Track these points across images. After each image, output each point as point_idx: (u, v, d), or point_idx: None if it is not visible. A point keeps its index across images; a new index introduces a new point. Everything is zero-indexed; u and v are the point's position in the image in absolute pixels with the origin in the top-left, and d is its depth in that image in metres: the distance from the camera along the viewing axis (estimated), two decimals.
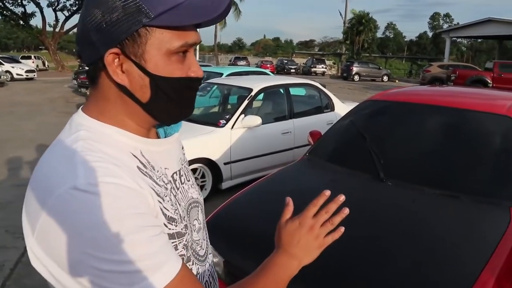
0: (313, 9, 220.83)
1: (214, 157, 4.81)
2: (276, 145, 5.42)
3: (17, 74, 23.54)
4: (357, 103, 6.97)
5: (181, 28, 0.70)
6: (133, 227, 0.62)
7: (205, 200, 4.74)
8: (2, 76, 19.13)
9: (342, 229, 0.87)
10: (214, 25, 37.74)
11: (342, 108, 6.30)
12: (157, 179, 0.75)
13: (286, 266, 0.81)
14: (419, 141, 2.90)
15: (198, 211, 0.90)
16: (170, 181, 0.81)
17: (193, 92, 0.78)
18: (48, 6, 35.03)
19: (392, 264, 1.81)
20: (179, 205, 0.80)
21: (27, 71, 24.06)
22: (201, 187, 4.84)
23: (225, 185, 5.01)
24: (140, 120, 0.76)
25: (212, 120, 5.22)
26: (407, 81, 31.71)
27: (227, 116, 5.12)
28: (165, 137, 0.89)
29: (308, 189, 2.58)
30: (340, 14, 43.05)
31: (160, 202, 0.72)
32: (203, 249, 0.89)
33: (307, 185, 2.59)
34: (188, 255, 0.80)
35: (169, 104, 0.74)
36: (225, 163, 4.93)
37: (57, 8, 35.15)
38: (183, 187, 0.86)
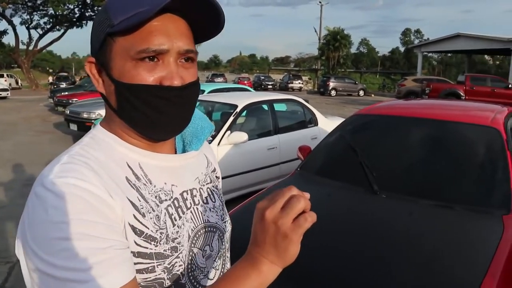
0: (287, 25, 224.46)
1: None
2: (263, 161, 5.43)
3: None
4: (339, 117, 7.13)
5: (144, 33, 0.69)
6: (76, 234, 0.61)
7: None
8: None
9: (314, 216, 0.66)
10: None
11: (325, 122, 6.38)
12: (148, 193, 0.74)
13: (253, 279, 0.67)
14: (409, 153, 2.96)
15: (213, 237, 0.86)
16: (176, 198, 0.79)
17: (165, 102, 0.72)
18: (21, 24, 34.58)
19: (393, 278, 1.82)
20: (182, 225, 0.78)
21: (0, 90, 23.51)
22: None
23: None
24: (127, 129, 0.76)
25: None
26: (382, 95, 32.37)
27: (213, 133, 5.12)
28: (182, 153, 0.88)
29: None
30: (315, 31, 43.99)
31: (136, 217, 0.70)
32: (210, 280, 0.84)
33: None
34: (177, 279, 0.75)
35: (135, 112, 0.72)
36: None
37: (30, 26, 34.74)
38: (196, 208, 0.83)
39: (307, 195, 0.68)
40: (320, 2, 44.71)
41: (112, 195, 0.68)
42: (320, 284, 1.81)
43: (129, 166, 0.75)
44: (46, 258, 0.60)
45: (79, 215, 0.62)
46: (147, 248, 0.71)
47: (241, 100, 5.63)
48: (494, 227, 2.14)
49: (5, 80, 30.82)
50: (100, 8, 0.80)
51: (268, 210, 0.65)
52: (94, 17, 0.77)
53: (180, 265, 0.76)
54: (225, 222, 0.91)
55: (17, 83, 35.43)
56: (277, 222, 0.64)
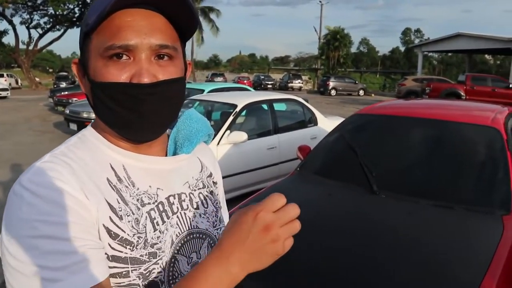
0: (287, 25, 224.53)
1: None
2: (262, 161, 5.42)
3: None
4: (338, 117, 7.11)
5: (114, 30, 0.68)
6: (48, 233, 0.61)
7: None
8: None
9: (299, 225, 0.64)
10: (191, 42, 37.80)
11: (325, 122, 6.37)
12: (130, 196, 0.72)
13: (220, 278, 0.60)
14: (409, 153, 2.95)
15: (202, 243, 0.82)
16: (161, 202, 0.77)
17: (135, 100, 0.69)
18: (21, 23, 34.58)
19: (392, 277, 1.81)
20: (165, 230, 0.75)
21: (0, 89, 23.46)
22: None
23: None
24: (109, 130, 0.75)
25: None
26: (382, 95, 32.36)
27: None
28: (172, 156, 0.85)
29: (307, 203, 2.59)
30: (315, 30, 43.91)
31: (112, 220, 0.68)
32: None
33: (304, 199, 2.59)
34: (155, 286, 0.72)
35: (108, 111, 0.71)
36: None
37: (30, 26, 34.74)
38: (184, 213, 0.80)
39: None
40: (320, 2, 44.68)
41: (88, 196, 0.67)
42: (318, 284, 1.80)
43: (112, 168, 0.74)
44: (15, 254, 0.61)
45: (52, 214, 0.62)
46: (121, 252, 0.69)
47: (241, 99, 5.62)
48: (494, 227, 2.14)
49: (5, 80, 30.73)
50: None
51: (263, 212, 0.61)
52: None
53: (159, 272, 0.73)
54: (217, 229, 0.87)
55: (17, 82, 35.38)
56: (270, 225, 0.60)
